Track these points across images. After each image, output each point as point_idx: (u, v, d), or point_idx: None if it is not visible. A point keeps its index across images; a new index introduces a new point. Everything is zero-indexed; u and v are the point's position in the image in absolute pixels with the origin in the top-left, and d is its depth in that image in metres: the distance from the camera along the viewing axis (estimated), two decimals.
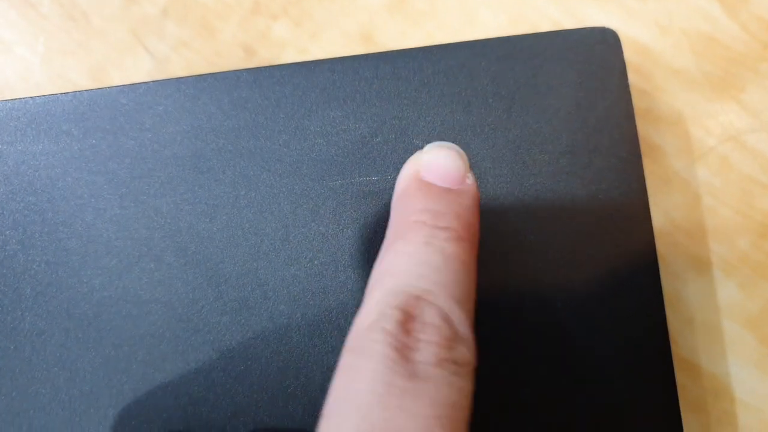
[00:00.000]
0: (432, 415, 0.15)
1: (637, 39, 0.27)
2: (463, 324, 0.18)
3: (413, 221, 0.19)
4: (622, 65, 0.22)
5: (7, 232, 0.22)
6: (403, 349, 0.16)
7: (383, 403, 0.15)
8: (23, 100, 0.23)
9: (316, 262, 0.22)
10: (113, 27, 0.27)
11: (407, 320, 0.17)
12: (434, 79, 0.22)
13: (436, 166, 0.20)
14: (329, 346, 0.21)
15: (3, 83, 0.27)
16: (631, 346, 0.21)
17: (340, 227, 0.22)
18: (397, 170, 0.22)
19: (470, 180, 0.20)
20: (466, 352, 0.17)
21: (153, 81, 0.23)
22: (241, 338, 0.21)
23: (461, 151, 0.20)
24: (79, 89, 0.23)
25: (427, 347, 0.16)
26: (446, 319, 0.17)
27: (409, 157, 0.22)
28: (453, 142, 0.22)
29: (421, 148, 0.22)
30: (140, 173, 0.22)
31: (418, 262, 0.18)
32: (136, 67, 0.27)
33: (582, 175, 0.22)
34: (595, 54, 0.22)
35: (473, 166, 0.22)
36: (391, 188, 0.22)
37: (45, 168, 0.22)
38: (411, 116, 0.22)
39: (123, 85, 0.23)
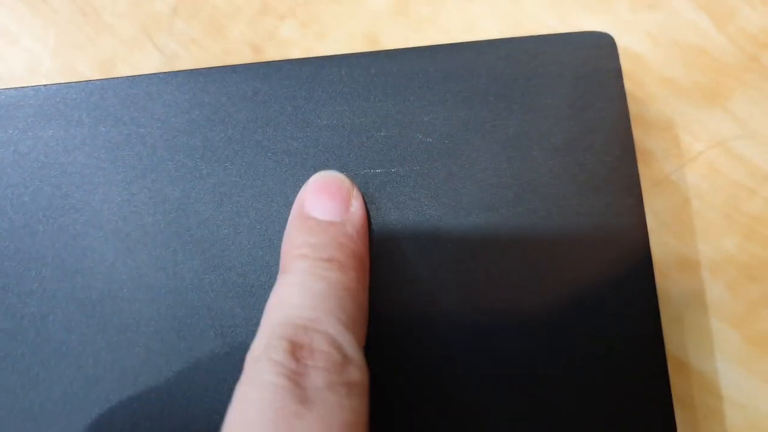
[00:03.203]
0: None
1: (630, 48, 0.28)
2: (351, 347, 0.18)
3: (295, 255, 0.20)
4: (618, 67, 0.23)
5: (15, 216, 0.22)
6: (293, 376, 0.16)
7: (275, 428, 0.15)
8: (35, 88, 0.23)
9: None
10: (123, 23, 0.28)
11: (295, 349, 0.17)
12: (437, 77, 0.23)
13: (317, 199, 0.21)
14: None
15: (11, 75, 0.28)
16: (626, 343, 0.21)
17: None
18: (400, 163, 0.23)
19: (354, 207, 0.21)
20: (356, 372, 0.18)
21: (163, 72, 0.23)
22: (245, 324, 0.22)
23: (344, 178, 0.21)
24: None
25: (317, 372, 0.17)
26: (334, 344, 0.18)
27: (412, 150, 0.23)
28: (454, 137, 0.23)
29: (423, 142, 0.23)
30: (148, 161, 0.23)
31: (303, 291, 0.19)
32: (144, 63, 0.28)
33: (578, 172, 0.22)
34: (592, 56, 0.23)
35: (474, 160, 0.22)
36: (394, 181, 0.22)
37: (54, 154, 0.23)
38: (414, 112, 0.23)
39: (134, 76, 0.23)
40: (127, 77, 0.23)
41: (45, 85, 0.23)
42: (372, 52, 0.23)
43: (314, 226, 0.20)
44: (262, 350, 0.17)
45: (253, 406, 0.16)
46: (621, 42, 0.28)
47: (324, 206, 0.21)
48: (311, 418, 0.16)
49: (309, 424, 0.16)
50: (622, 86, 0.23)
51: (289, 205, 0.22)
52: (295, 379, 0.16)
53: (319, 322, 0.18)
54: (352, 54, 0.23)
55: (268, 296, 0.22)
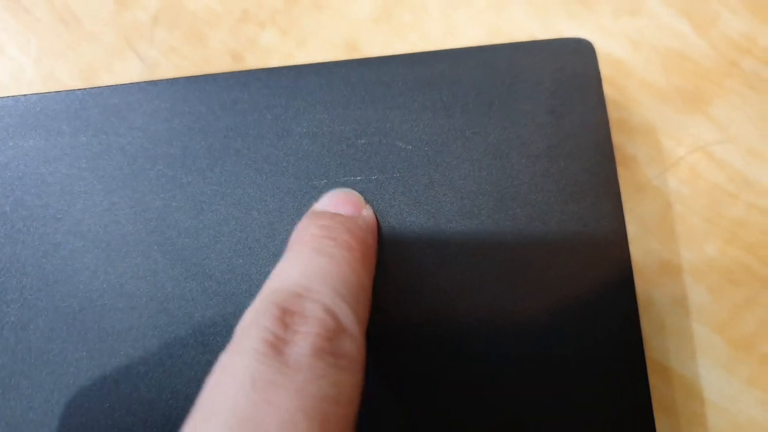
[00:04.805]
0: (298, 407, 0.15)
1: (612, 54, 0.28)
2: (348, 318, 0.17)
3: (302, 236, 0.19)
4: (597, 73, 0.23)
5: None
6: (277, 342, 0.16)
7: (249, 397, 0.15)
8: (15, 98, 0.23)
9: None
10: (104, 31, 0.28)
11: (285, 315, 0.17)
12: (416, 84, 0.23)
13: (328, 201, 0.21)
14: None
15: None
16: (606, 349, 0.22)
17: None
18: (380, 171, 0.23)
19: (366, 211, 0.21)
20: (350, 344, 0.17)
21: (144, 81, 0.23)
22: (225, 332, 0.22)
23: (356, 192, 0.22)
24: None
25: (305, 338, 0.16)
26: (330, 312, 0.17)
27: (392, 158, 0.23)
28: (434, 144, 0.23)
29: (403, 149, 0.23)
30: (129, 170, 0.23)
31: (303, 263, 0.18)
32: (125, 71, 0.28)
33: (558, 179, 0.22)
34: (571, 63, 0.23)
35: (454, 167, 0.22)
36: (375, 188, 0.22)
37: (35, 164, 0.23)
38: (394, 119, 0.23)
39: (114, 85, 0.23)
40: (107, 87, 0.23)
41: (25, 95, 0.23)
42: (351, 60, 0.23)
43: (326, 215, 0.20)
44: (252, 317, 0.17)
45: (231, 372, 0.16)
46: (603, 48, 0.28)
47: (336, 205, 0.21)
48: (289, 388, 0.15)
49: (284, 394, 0.15)
50: (602, 92, 0.23)
51: (269, 212, 0.22)
52: (279, 346, 0.16)
53: (315, 291, 0.17)
54: (330, 62, 0.23)
55: (248, 304, 0.22)
